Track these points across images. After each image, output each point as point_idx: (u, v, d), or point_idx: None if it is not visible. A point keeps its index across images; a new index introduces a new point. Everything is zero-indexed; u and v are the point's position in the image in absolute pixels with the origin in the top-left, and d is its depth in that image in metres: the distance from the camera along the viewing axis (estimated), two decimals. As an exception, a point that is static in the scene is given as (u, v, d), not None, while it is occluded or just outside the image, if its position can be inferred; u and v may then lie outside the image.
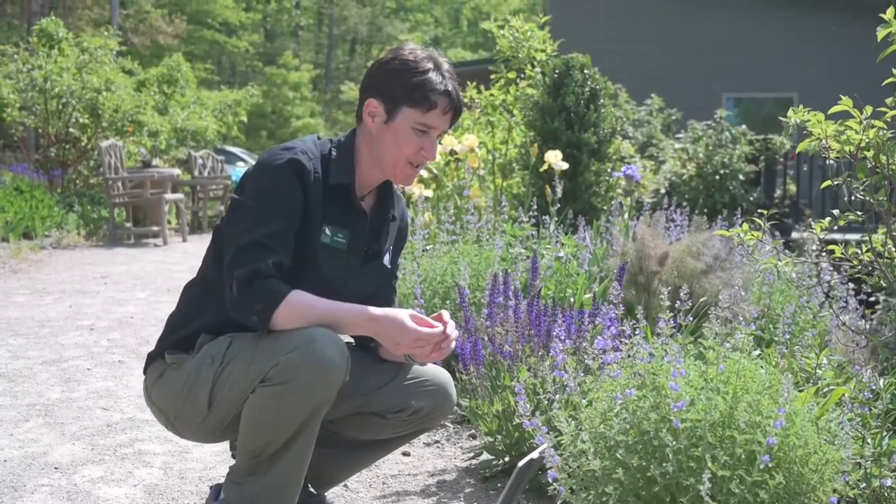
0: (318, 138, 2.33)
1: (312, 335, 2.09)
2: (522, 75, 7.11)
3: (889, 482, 2.27)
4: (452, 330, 2.22)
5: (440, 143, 6.00)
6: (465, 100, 7.12)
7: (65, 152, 12.49)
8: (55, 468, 3.05)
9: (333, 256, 2.26)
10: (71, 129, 12.29)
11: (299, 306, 2.11)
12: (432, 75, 2.22)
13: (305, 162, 2.19)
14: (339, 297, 2.24)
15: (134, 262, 9.09)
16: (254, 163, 2.32)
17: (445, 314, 2.26)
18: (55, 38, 13.13)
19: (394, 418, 2.41)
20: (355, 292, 2.32)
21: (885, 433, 2.46)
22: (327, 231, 2.24)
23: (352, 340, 2.60)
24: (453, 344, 2.23)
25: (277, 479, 2.17)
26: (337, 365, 2.10)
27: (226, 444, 3.04)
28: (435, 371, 2.47)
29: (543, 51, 7.18)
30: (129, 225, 11.33)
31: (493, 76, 7.28)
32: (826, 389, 2.73)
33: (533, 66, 7.15)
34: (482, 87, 7.25)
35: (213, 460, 3.18)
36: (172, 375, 2.26)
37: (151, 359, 2.35)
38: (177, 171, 12.40)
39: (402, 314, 2.16)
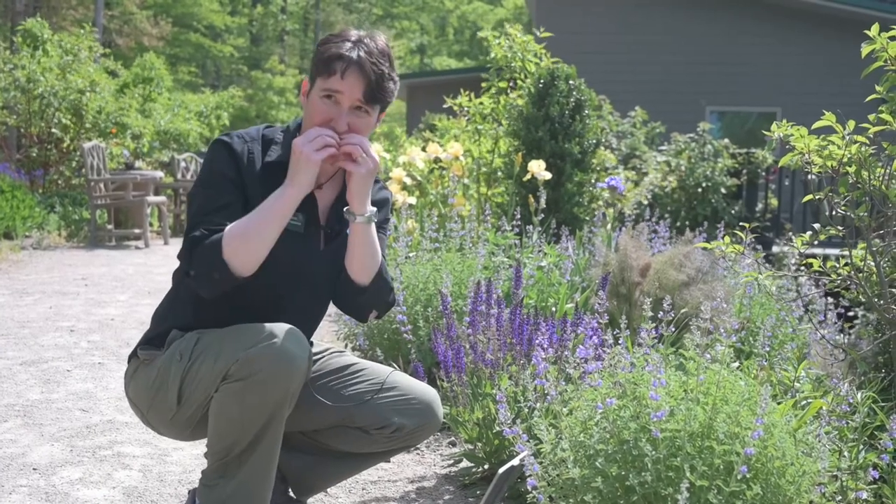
0: (278, 126, 2.35)
1: (273, 331, 2.11)
2: (514, 85, 7.12)
3: (864, 495, 2.29)
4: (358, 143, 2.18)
5: (424, 149, 6.00)
6: (455, 108, 7.12)
7: (47, 153, 12.40)
8: (33, 469, 3.04)
9: (291, 239, 2.23)
10: (53, 130, 12.21)
11: (236, 231, 2.11)
12: (343, 45, 2.20)
13: (235, 143, 2.24)
14: (304, 281, 2.29)
15: (115, 264, 9.03)
16: None
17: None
18: (40, 39, 13.06)
19: (377, 434, 2.40)
20: (324, 273, 2.32)
21: (861, 446, 2.48)
22: None
23: (334, 346, 2.60)
24: (358, 149, 2.17)
25: (247, 480, 2.18)
26: (297, 359, 2.11)
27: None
28: (422, 389, 2.46)
29: (538, 62, 7.19)
30: (110, 227, 11.26)
31: (484, 84, 7.29)
32: (804, 402, 2.75)
33: (525, 77, 7.16)
34: (472, 96, 7.26)
35: (193, 464, 3.17)
36: (145, 371, 2.30)
37: (131, 356, 2.40)
38: (159, 173, 12.34)
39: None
